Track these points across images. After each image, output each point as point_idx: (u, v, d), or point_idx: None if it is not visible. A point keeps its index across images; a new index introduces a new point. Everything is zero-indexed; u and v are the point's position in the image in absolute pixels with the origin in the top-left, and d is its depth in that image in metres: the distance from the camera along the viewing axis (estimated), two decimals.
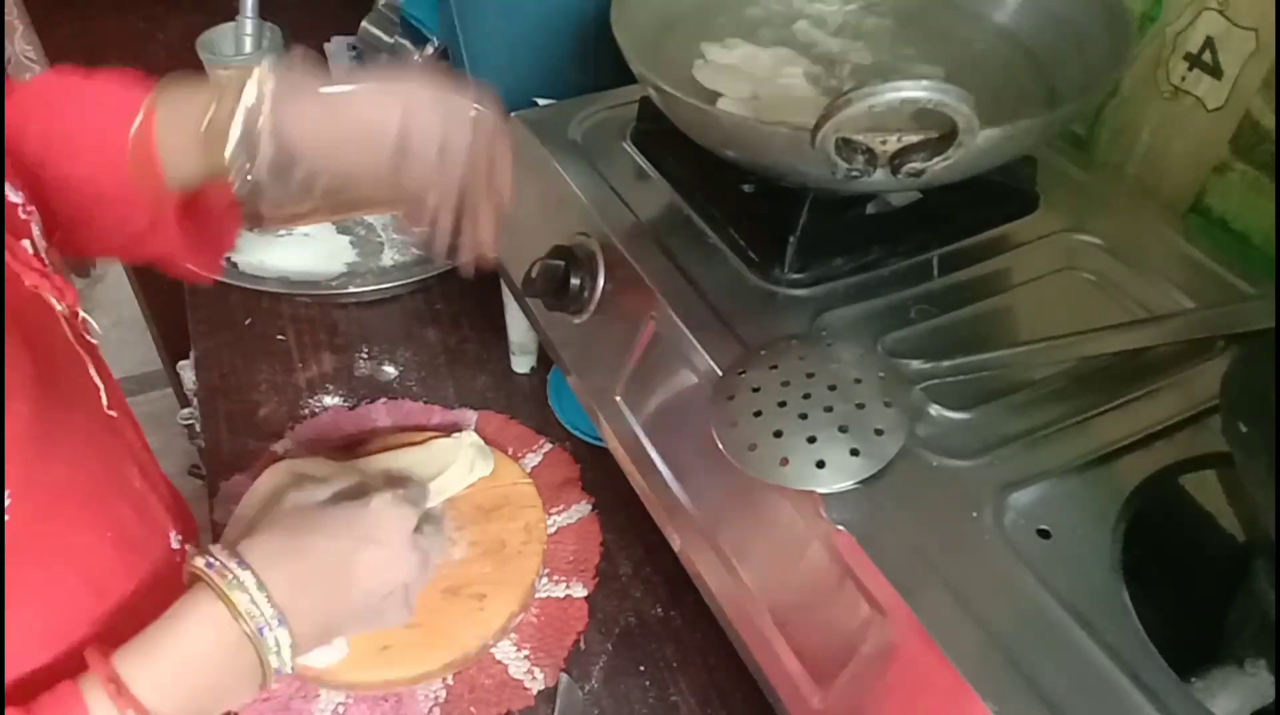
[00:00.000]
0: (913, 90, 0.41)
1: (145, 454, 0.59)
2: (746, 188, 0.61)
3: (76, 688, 0.42)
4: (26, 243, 0.47)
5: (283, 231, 0.98)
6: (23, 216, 0.49)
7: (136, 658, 0.44)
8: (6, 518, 0.41)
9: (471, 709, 0.61)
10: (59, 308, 0.49)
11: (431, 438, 0.75)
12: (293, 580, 0.48)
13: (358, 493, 0.55)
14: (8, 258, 0.45)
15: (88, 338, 0.52)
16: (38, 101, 0.53)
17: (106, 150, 0.52)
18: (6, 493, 0.41)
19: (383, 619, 0.54)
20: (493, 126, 0.55)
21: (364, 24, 1.20)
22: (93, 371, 0.52)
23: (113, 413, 0.53)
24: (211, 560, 0.47)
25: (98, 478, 0.51)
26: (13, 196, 0.48)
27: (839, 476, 0.42)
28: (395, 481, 0.60)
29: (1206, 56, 0.62)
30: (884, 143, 0.45)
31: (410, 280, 0.91)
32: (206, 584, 0.46)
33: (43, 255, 0.49)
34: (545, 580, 0.69)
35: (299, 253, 0.96)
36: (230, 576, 0.46)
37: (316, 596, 0.49)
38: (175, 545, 0.58)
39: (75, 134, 0.53)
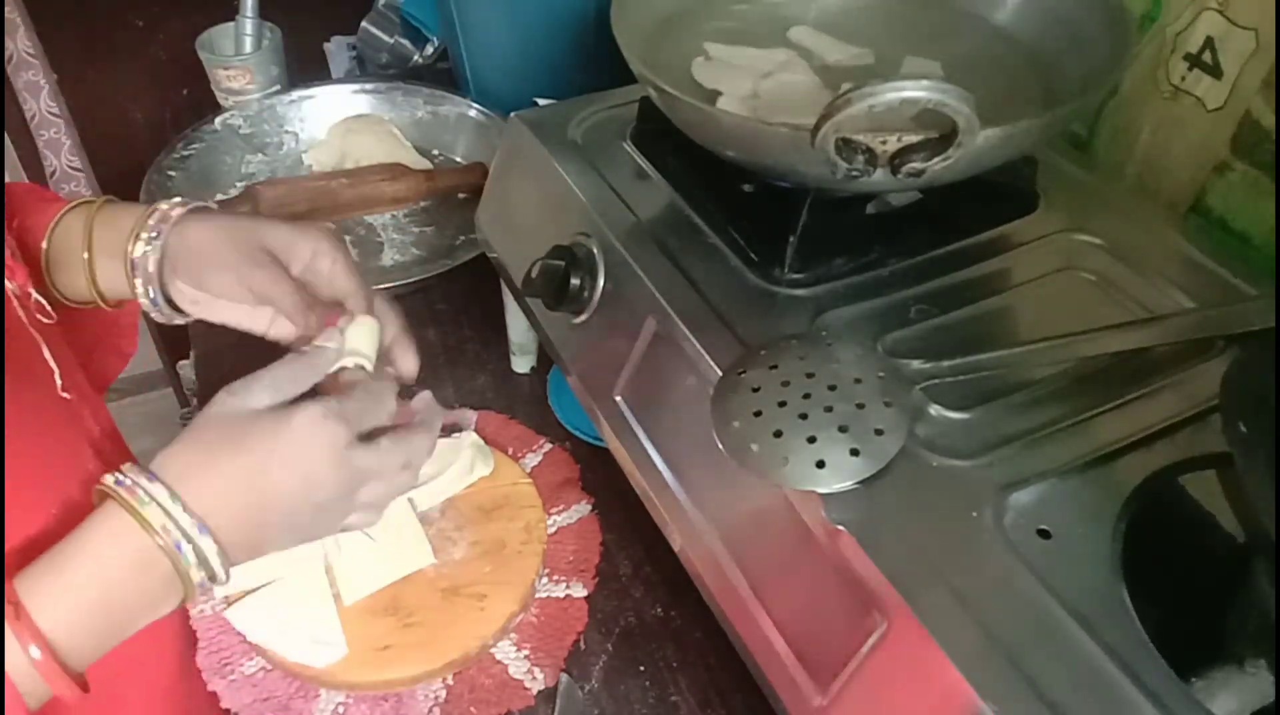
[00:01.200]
0: (913, 90, 0.41)
1: (107, 440, 0.58)
2: (746, 188, 0.61)
3: None
4: None
5: None
6: None
7: (41, 579, 0.43)
8: None
9: (471, 709, 0.61)
10: (10, 287, 0.49)
11: None
12: (210, 492, 0.46)
13: (299, 399, 0.51)
14: None
15: (42, 319, 0.52)
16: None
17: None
18: None
19: (319, 532, 0.51)
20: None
21: (364, 24, 1.20)
22: (47, 353, 0.51)
23: (67, 396, 0.52)
24: (121, 477, 0.45)
25: (47, 454, 0.51)
26: None
27: (839, 476, 0.42)
28: (349, 385, 0.53)
29: (1206, 56, 0.62)
30: (884, 143, 0.45)
31: (410, 280, 0.91)
32: (115, 501, 0.44)
33: None
34: (545, 580, 0.69)
35: None
36: (140, 492, 0.44)
37: (237, 507, 0.46)
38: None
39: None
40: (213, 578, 0.46)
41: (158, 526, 0.44)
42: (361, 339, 0.54)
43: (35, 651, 0.41)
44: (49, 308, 0.53)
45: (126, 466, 0.46)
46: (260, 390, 0.50)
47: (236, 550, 0.46)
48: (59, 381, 0.52)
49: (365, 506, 0.51)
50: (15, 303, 0.49)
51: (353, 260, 0.57)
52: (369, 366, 0.54)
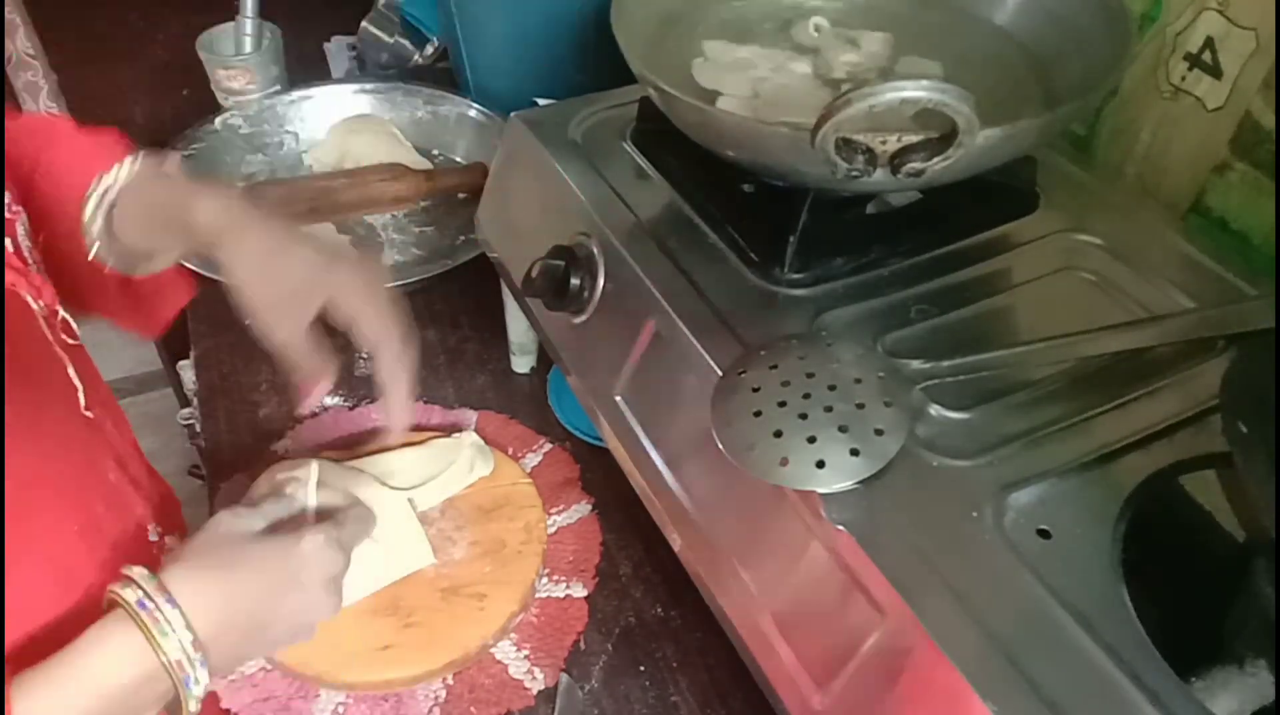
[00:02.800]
0: (913, 90, 0.41)
1: (128, 450, 0.59)
2: (746, 188, 0.61)
3: None
4: (8, 241, 0.48)
5: None
6: (8, 215, 0.49)
7: (43, 686, 0.44)
8: None
9: (471, 709, 0.61)
10: (36, 306, 0.49)
11: (431, 438, 0.75)
12: (218, 619, 0.48)
13: (293, 524, 0.55)
14: None
15: (68, 339, 0.52)
16: (37, 130, 0.58)
17: (66, 200, 0.55)
18: None
19: (285, 646, 0.57)
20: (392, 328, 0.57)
21: (364, 24, 1.20)
22: (72, 372, 0.52)
23: (90, 413, 0.53)
24: (144, 599, 0.46)
25: (69, 472, 0.51)
26: None
27: (839, 476, 0.42)
28: (331, 515, 0.58)
29: (1206, 56, 0.62)
30: (884, 143, 0.45)
31: (410, 280, 0.91)
32: (134, 622, 0.45)
33: (25, 254, 0.49)
34: (545, 580, 0.69)
35: None
36: (161, 620, 0.45)
37: (237, 634, 0.49)
38: (154, 537, 0.59)
39: (55, 171, 0.56)
40: (199, 701, 0.48)
41: (173, 660, 0.45)
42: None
43: None
44: (75, 328, 0.53)
45: (145, 579, 0.47)
46: (260, 519, 0.55)
47: (220, 671, 0.49)
48: (82, 400, 0.52)
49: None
50: (41, 322, 0.50)
51: (380, 312, 0.56)
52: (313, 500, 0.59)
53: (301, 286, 0.54)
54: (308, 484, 0.58)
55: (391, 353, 0.56)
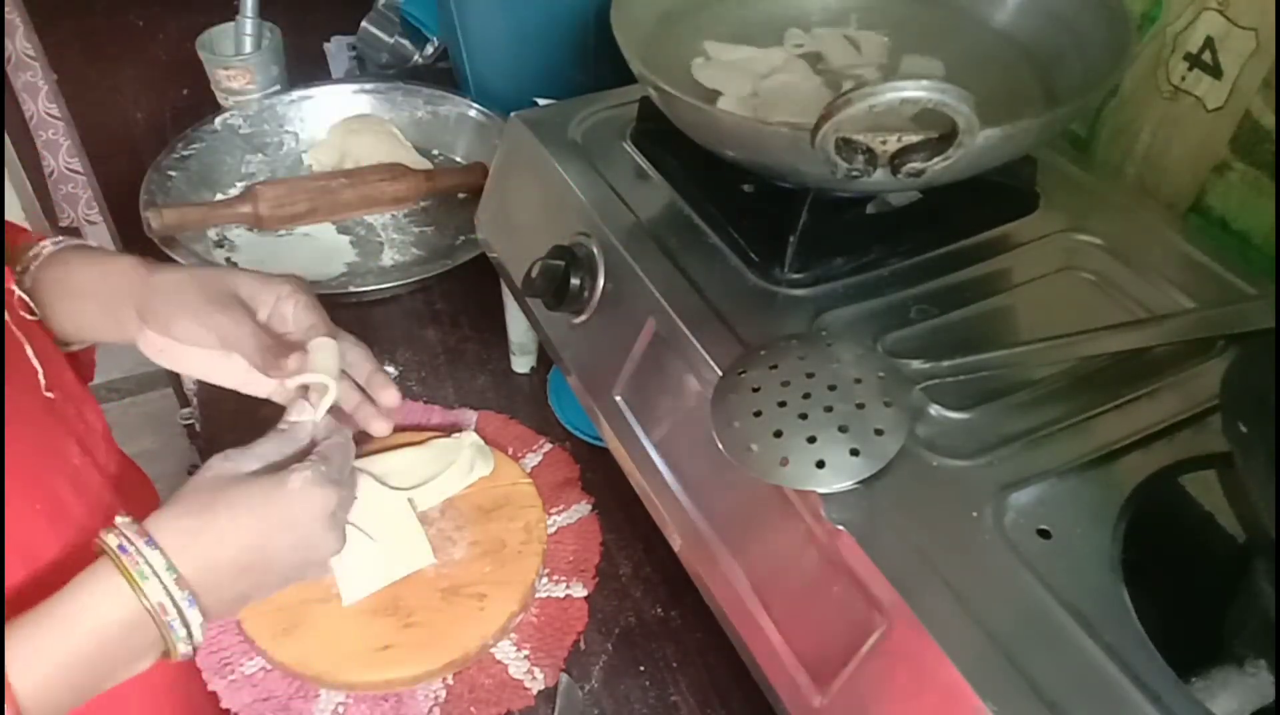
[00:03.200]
0: (913, 90, 0.41)
1: (93, 434, 0.59)
2: (746, 188, 0.61)
3: None
4: None
5: (283, 231, 0.98)
6: None
7: (30, 632, 0.44)
8: None
9: (471, 709, 0.61)
10: None
11: (431, 438, 0.75)
12: (204, 561, 0.47)
13: (288, 462, 0.53)
14: None
15: (25, 315, 0.52)
16: None
17: None
18: None
19: (303, 580, 0.54)
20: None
21: (364, 24, 1.20)
22: (30, 352, 0.52)
23: (50, 395, 0.53)
24: (124, 543, 0.46)
25: (29, 453, 0.51)
26: None
27: (839, 476, 0.42)
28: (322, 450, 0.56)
29: (1206, 56, 0.62)
30: (884, 143, 0.45)
31: (410, 280, 0.91)
32: (115, 566, 0.45)
33: None
34: (545, 580, 0.69)
35: (299, 253, 0.96)
36: (141, 564, 0.45)
37: (229, 575, 0.48)
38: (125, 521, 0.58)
39: None
40: (191, 642, 0.47)
41: (154, 601, 0.45)
42: (322, 361, 0.58)
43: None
44: (31, 304, 0.53)
45: (126, 525, 0.47)
46: (252, 460, 0.52)
47: (218, 613, 0.49)
48: (42, 381, 0.52)
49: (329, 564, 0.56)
50: None
51: (315, 300, 0.60)
52: (332, 386, 0.56)
53: (247, 295, 0.58)
54: (319, 405, 0.56)
55: (326, 325, 0.59)
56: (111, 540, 0.46)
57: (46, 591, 0.47)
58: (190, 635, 0.47)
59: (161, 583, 0.45)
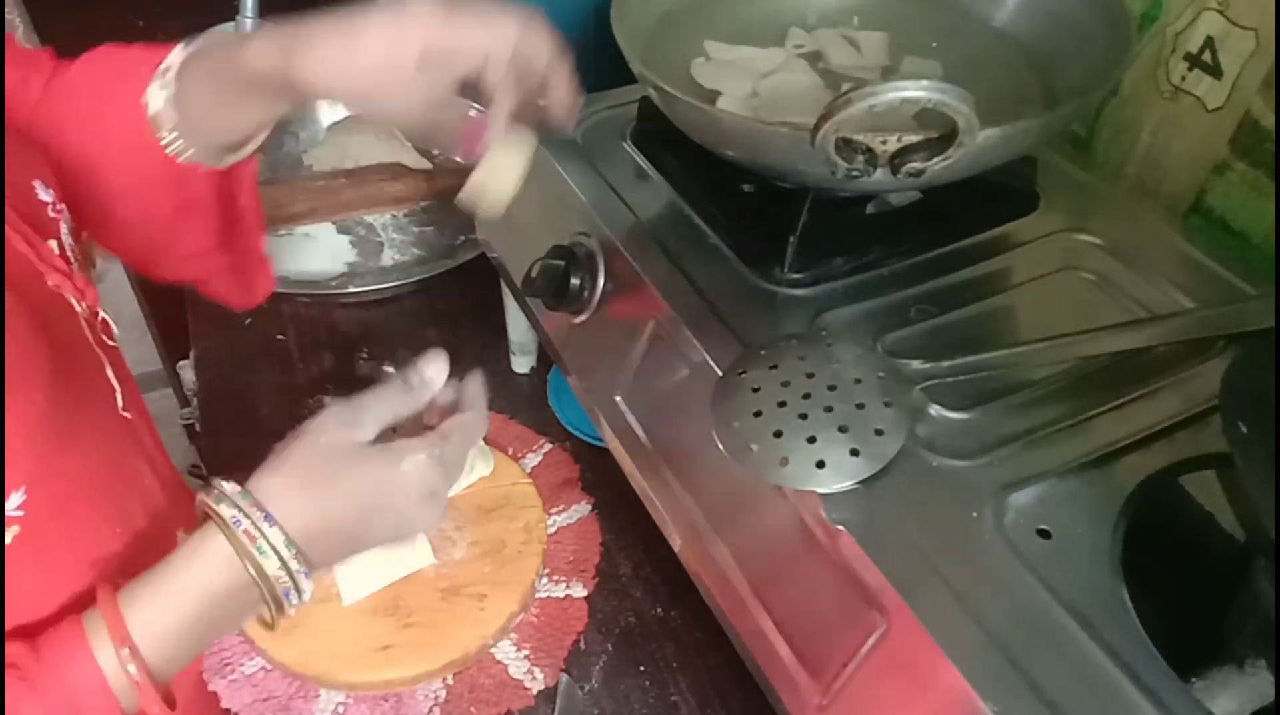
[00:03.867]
0: (913, 90, 0.41)
1: (157, 452, 0.59)
2: (746, 188, 0.61)
3: (80, 624, 0.43)
4: (53, 242, 0.48)
5: (283, 231, 0.98)
6: (52, 215, 0.49)
7: (146, 592, 0.45)
8: (20, 513, 0.42)
9: (471, 709, 0.61)
10: (79, 308, 0.49)
11: None
12: (316, 532, 0.47)
13: (403, 426, 0.52)
14: (33, 257, 0.46)
15: (107, 340, 0.52)
16: (76, 80, 0.54)
17: (125, 121, 0.52)
18: (21, 488, 0.42)
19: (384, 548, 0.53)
20: (513, 26, 0.49)
21: None
22: (110, 373, 0.52)
23: (127, 414, 0.53)
24: (239, 516, 0.45)
25: (109, 473, 0.52)
26: (44, 194, 0.49)
27: (839, 476, 0.42)
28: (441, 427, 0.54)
29: (1206, 56, 0.62)
30: (884, 143, 0.45)
31: (410, 280, 0.91)
32: (229, 539, 0.45)
33: (69, 255, 0.49)
34: (545, 580, 0.69)
35: (299, 253, 0.96)
36: (259, 538, 0.45)
37: (332, 542, 0.49)
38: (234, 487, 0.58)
39: (100, 106, 0.53)
40: (295, 610, 0.48)
41: (273, 575, 0.46)
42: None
43: (132, 669, 0.43)
44: (114, 330, 0.53)
45: (239, 495, 0.46)
46: (370, 423, 0.51)
47: (319, 574, 0.48)
48: (120, 401, 0.52)
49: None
50: (83, 323, 0.50)
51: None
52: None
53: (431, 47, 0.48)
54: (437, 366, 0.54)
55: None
56: (226, 511, 0.45)
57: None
58: (300, 599, 0.47)
59: (280, 557, 0.46)
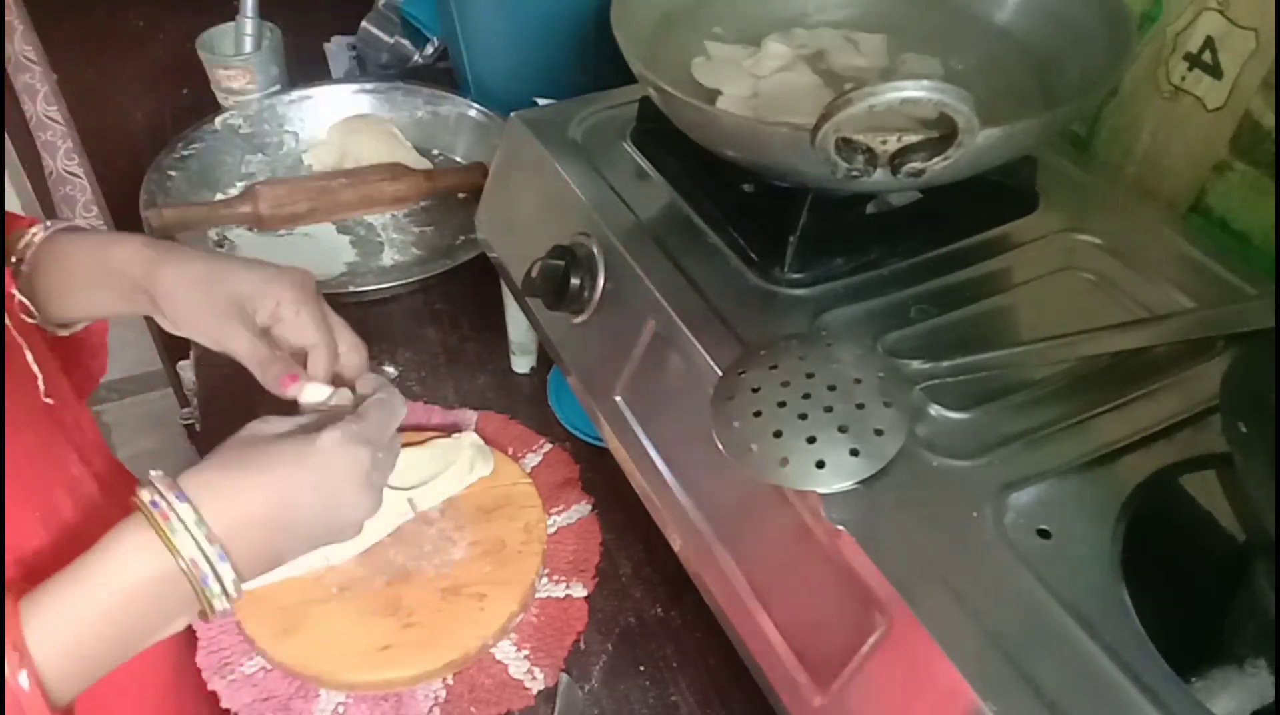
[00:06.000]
0: (913, 90, 0.41)
1: (92, 445, 0.59)
2: (746, 188, 0.61)
3: None
4: None
5: (283, 231, 0.98)
6: None
7: (59, 588, 0.44)
8: None
9: (471, 709, 0.61)
10: None
11: (431, 438, 0.75)
12: (235, 516, 0.47)
13: (323, 423, 0.52)
14: None
15: (25, 318, 0.52)
16: None
17: None
18: None
19: (326, 551, 0.57)
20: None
21: (364, 24, 1.20)
22: (30, 358, 0.52)
23: (49, 400, 0.53)
24: (156, 498, 0.45)
25: (30, 464, 0.51)
26: None
27: (839, 476, 0.42)
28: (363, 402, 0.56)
29: (1206, 56, 0.62)
30: (884, 143, 0.45)
31: (410, 280, 0.91)
32: (146, 519, 0.45)
33: None
34: (545, 580, 0.69)
35: (299, 253, 0.96)
36: (172, 518, 0.45)
37: (260, 532, 0.48)
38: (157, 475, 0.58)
39: None
40: (227, 598, 0.47)
41: (186, 556, 0.45)
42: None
43: (24, 680, 0.41)
44: (31, 307, 0.53)
45: (159, 479, 0.46)
46: (286, 423, 0.52)
47: (250, 571, 0.48)
48: (42, 387, 0.52)
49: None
50: None
51: (320, 310, 0.58)
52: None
53: (246, 297, 0.56)
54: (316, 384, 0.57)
55: (327, 346, 0.58)
56: (145, 495, 0.46)
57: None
58: (225, 591, 0.46)
59: (192, 536, 0.45)
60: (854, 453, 0.43)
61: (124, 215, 1.10)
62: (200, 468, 0.48)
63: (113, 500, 0.59)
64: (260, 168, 1.07)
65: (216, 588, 0.46)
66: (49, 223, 0.58)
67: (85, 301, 0.58)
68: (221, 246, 0.96)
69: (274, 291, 0.57)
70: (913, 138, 0.45)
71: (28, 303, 0.53)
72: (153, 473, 0.47)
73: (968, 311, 0.54)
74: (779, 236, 0.55)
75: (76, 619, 0.43)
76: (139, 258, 0.56)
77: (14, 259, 0.56)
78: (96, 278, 0.56)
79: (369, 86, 1.13)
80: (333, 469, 0.50)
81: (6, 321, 0.50)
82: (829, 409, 0.44)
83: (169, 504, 0.45)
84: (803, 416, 0.44)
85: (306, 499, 0.49)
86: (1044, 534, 0.42)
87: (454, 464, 0.72)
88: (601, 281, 0.60)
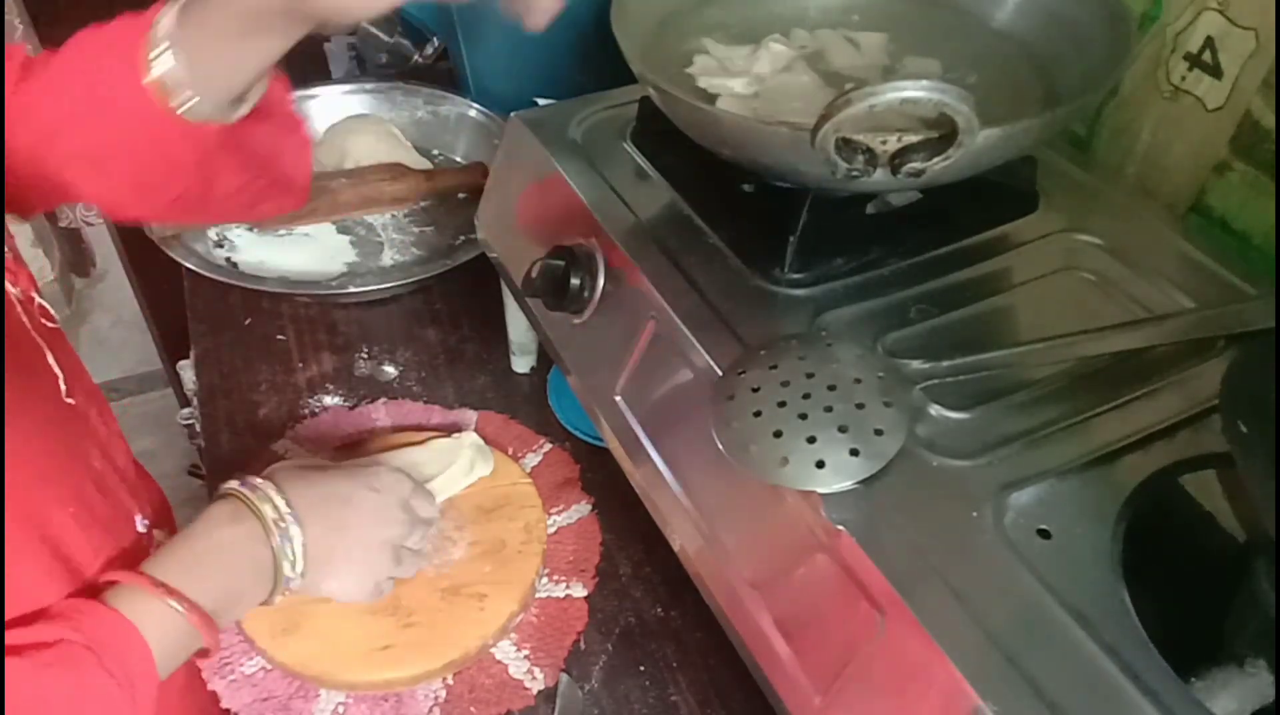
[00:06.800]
0: (913, 90, 0.41)
1: (113, 441, 0.59)
2: (746, 188, 0.61)
3: (100, 605, 0.47)
4: None
5: (283, 231, 0.98)
6: None
7: (167, 558, 0.51)
8: None
9: (471, 709, 0.61)
10: (13, 292, 0.49)
11: (431, 438, 0.75)
12: (304, 496, 0.55)
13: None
14: None
15: (46, 323, 0.52)
16: (75, 49, 0.51)
17: (126, 95, 0.49)
18: None
19: (373, 574, 0.60)
20: None
21: (364, 24, 1.20)
22: (51, 359, 0.52)
23: (71, 401, 0.53)
24: (241, 482, 0.55)
25: (53, 458, 0.52)
26: None
27: (839, 476, 0.42)
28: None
29: (1206, 56, 0.62)
30: (884, 143, 0.45)
31: (410, 280, 0.91)
32: (233, 497, 0.54)
33: None
34: (545, 580, 0.69)
35: (299, 253, 0.96)
36: (258, 490, 0.54)
37: (321, 515, 0.56)
38: (142, 529, 0.59)
39: (94, 87, 0.50)
40: (294, 566, 0.55)
41: (268, 516, 0.54)
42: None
43: (177, 605, 0.48)
44: (52, 312, 0.53)
45: (241, 477, 0.56)
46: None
47: (314, 554, 0.55)
48: (63, 387, 0.52)
49: (412, 554, 0.63)
50: (19, 308, 0.49)
51: None
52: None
53: None
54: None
55: None
56: (233, 482, 0.55)
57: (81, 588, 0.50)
58: (294, 561, 0.54)
59: (273, 503, 0.54)
60: (854, 453, 0.43)
61: None
62: (274, 467, 0.58)
63: (132, 491, 0.59)
64: None
65: (289, 552, 0.54)
66: (166, 5, 0.50)
67: (236, 56, 0.49)
68: (221, 246, 0.96)
69: None
70: (913, 138, 0.45)
71: (49, 308, 0.53)
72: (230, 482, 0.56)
73: (968, 311, 0.54)
74: (779, 236, 0.55)
75: (192, 571, 0.51)
76: None
77: (152, 55, 0.48)
78: (240, 22, 0.48)
79: (369, 86, 1.13)
80: (383, 485, 0.60)
81: (25, 322, 0.50)
82: (829, 409, 0.44)
83: (253, 485, 0.55)
84: (803, 416, 0.44)
85: (361, 497, 0.59)
86: (1044, 534, 0.42)
87: (454, 464, 0.72)
88: (601, 281, 0.60)
